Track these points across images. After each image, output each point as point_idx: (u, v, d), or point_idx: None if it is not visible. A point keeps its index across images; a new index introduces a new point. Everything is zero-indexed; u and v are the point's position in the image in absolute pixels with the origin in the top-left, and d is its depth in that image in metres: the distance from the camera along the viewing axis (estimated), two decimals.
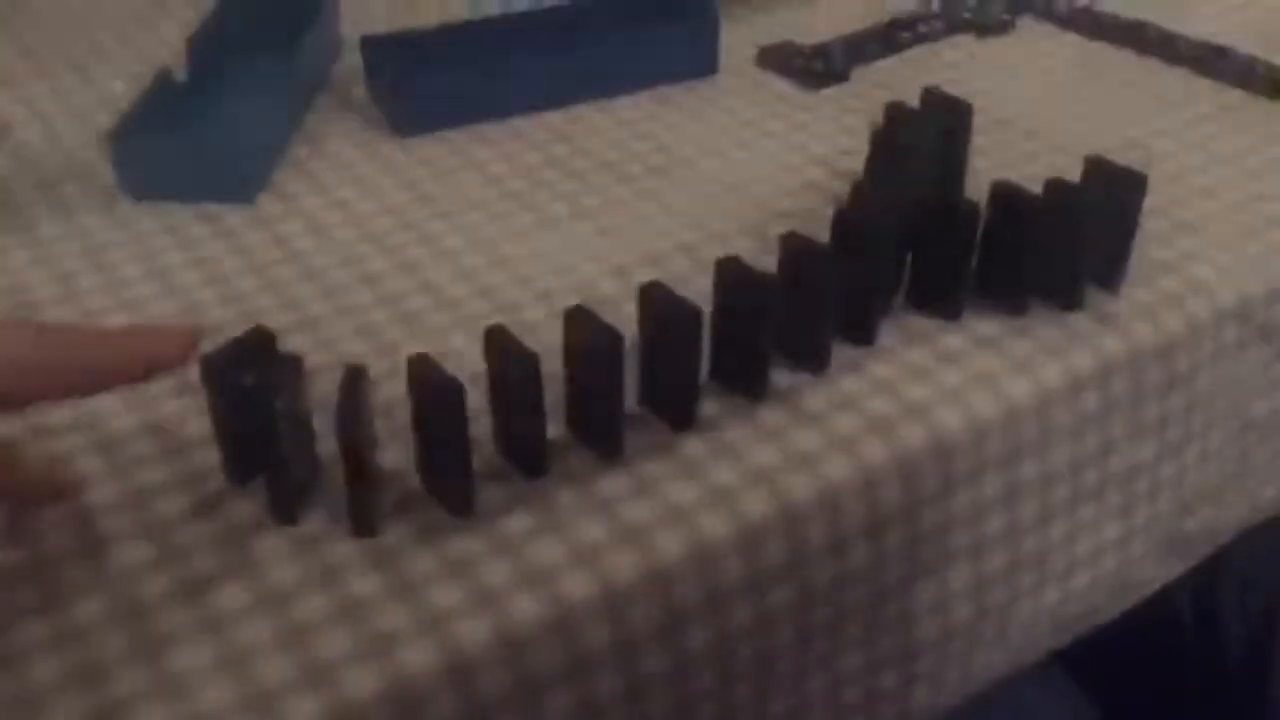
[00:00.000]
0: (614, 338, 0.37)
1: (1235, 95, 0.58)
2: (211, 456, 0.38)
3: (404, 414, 0.40)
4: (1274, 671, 0.61)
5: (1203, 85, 0.59)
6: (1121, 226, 0.45)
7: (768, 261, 0.47)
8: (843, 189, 0.51)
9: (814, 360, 0.42)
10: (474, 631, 0.33)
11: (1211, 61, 0.60)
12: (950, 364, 0.42)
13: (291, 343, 0.43)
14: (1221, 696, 0.62)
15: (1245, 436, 0.49)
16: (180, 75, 0.56)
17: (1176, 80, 0.60)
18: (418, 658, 0.32)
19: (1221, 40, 0.62)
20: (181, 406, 0.40)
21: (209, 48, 0.57)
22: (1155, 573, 0.50)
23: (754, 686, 0.39)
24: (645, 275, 0.46)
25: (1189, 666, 0.63)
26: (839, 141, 0.55)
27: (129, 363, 0.37)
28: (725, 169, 0.53)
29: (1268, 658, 0.61)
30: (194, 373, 0.41)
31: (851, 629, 0.40)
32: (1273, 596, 0.62)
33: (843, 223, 0.42)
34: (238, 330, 0.43)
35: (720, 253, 0.47)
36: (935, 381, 0.41)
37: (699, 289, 0.46)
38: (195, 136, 0.51)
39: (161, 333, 0.41)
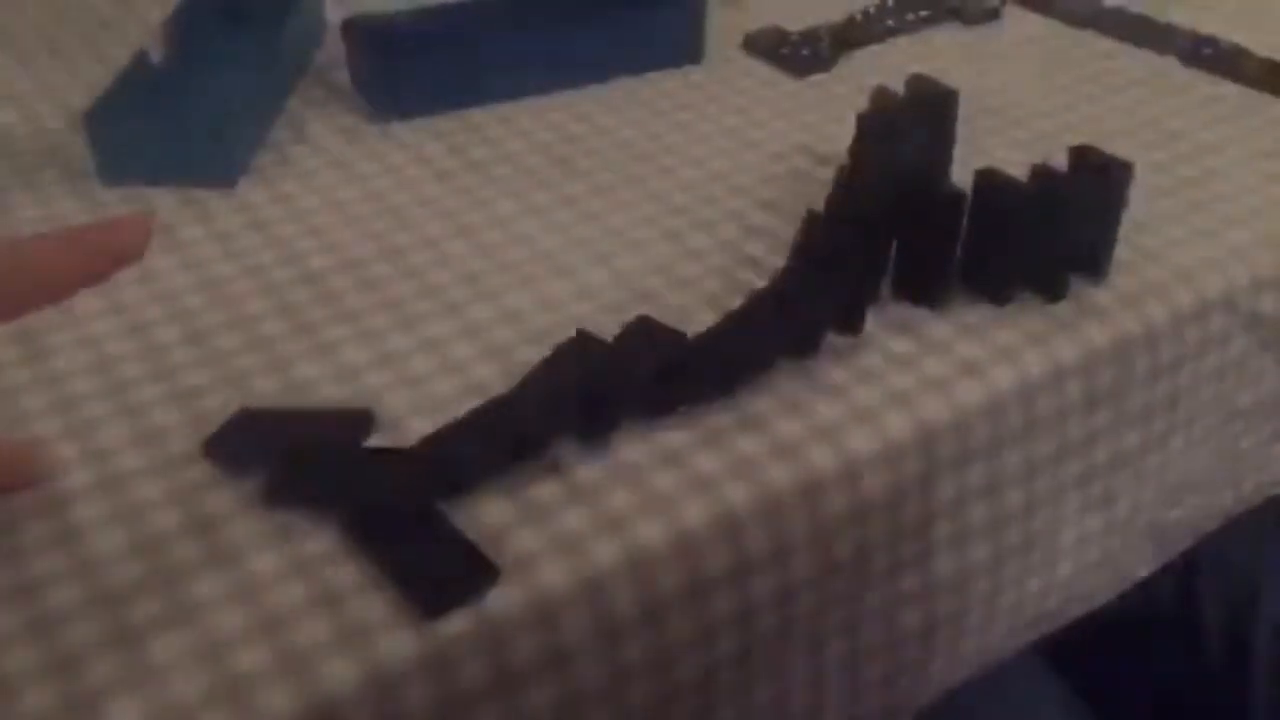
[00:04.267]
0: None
1: (1222, 85, 0.58)
2: (188, 442, 0.38)
3: (395, 403, 0.39)
4: (1254, 658, 0.61)
5: (1190, 75, 0.59)
6: (1106, 215, 0.45)
7: (752, 247, 0.47)
8: (828, 176, 0.51)
9: (804, 347, 0.41)
10: (452, 621, 0.33)
11: (1199, 51, 0.60)
12: (934, 353, 0.42)
13: (270, 329, 0.43)
14: (1202, 682, 0.62)
15: (1230, 427, 0.49)
16: (158, 57, 0.55)
17: (1164, 69, 0.60)
18: (395, 647, 0.32)
19: (1209, 30, 0.61)
20: (160, 393, 0.40)
21: (187, 29, 0.56)
22: (1138, 562, 0.50)
23: (736, 677, 0.39)
24: (629, 262, 0.46)
25: (1168, 652, 0.63)
26: (825, 128, 0.55)
27: (80, 265, 0.33)
28: (711, 156, 0.53)
29: (1247, 644, 0.61)
30: (173, 357, 0.41)
31: (834, 619, 0.40)
32: (1253, 583, 0.62)
33: (832, 212, 0.42)
34: (214, 315, 0.43)
35: (706, 240, 0.47)
36: (919, 370, 0.41)
37: (684, 275, 0.45)
38: (173, 119, 0.50)
39: (112, 225, 0.35)
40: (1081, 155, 0.45)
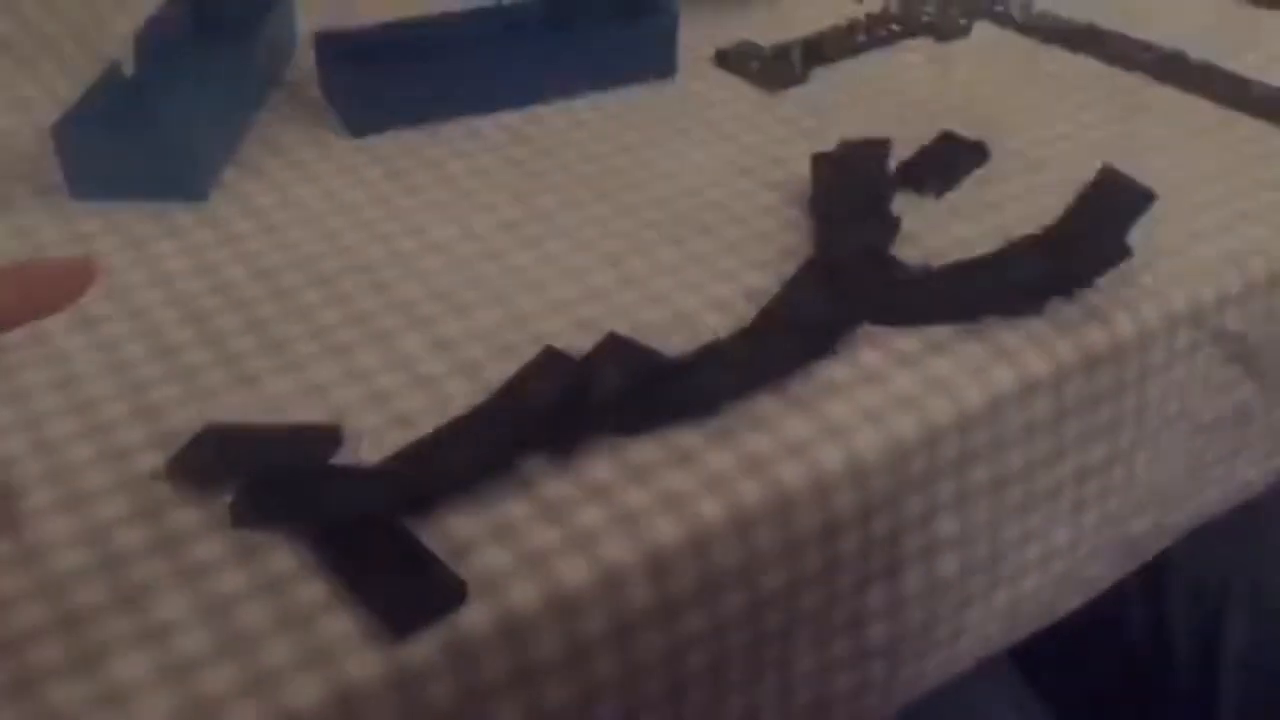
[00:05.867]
0: None
1: (1190, 100, 0.59)
2: (154, 460, 0.38)
3: (364, 419, 0.39)
4: (1222, 668, 0.61)
5: (1158, 91, 0.60)
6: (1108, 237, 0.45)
7: (724, 262, 0.47)
8: (801, 191, 0.51)
9: (783, 376, 0.41)
10: (420, 640, 0.33)
11: (1167, 67, 0.61)
12: (904, 367, 0.42)
13: (240, 345, 0.43)
14: (1170, 692, 0.63)
15: (1195, 439, 0.49)
16: (129, 70, 0.55)
17: (1133, 85, 0.60)
18: (362, 667, 0.32)
19: (1177, 45, 0.62)
20: (126, 410, 0.40)
21: (159, 42, 0.56)
22: (1105, 573, 0.50)
23: (706, 693, 0.39)
24: (601, 278, 0.46)
25: (1137, 661, 0.63)
26: (797, 144, 0.55)
27: (19, 302, 0.33)
28: (683, 170, 0.53)
29: (1216, 654, 0.62)
30: (140, 374, 0.41)
31: (804, 634, 0.40)
32: (1221, 590, 0.63)
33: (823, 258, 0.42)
34: (182, 331, 0.43)
35: (677, 256, 0.48)
36: (888, 385, 0.41)
37: (656, 291, 0.46)
38: (143, 133, 0.50)
39: (54, 266, 0.35)
40: (1108, 177, 0.45)
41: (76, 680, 0.31)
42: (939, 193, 0.51)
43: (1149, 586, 0.56)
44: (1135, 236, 0.49)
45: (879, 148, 0.51)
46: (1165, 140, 0.56)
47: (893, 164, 0.52)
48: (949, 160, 0.53)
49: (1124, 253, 0.44)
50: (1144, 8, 0.67)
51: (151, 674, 0.31)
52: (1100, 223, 0.45)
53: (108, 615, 0.33)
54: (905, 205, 0.50)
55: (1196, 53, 0.61)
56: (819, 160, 0.50)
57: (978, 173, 0.52)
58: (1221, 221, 0.50)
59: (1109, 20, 0.65)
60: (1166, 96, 0.59)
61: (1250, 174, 0.53)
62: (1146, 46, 0.62)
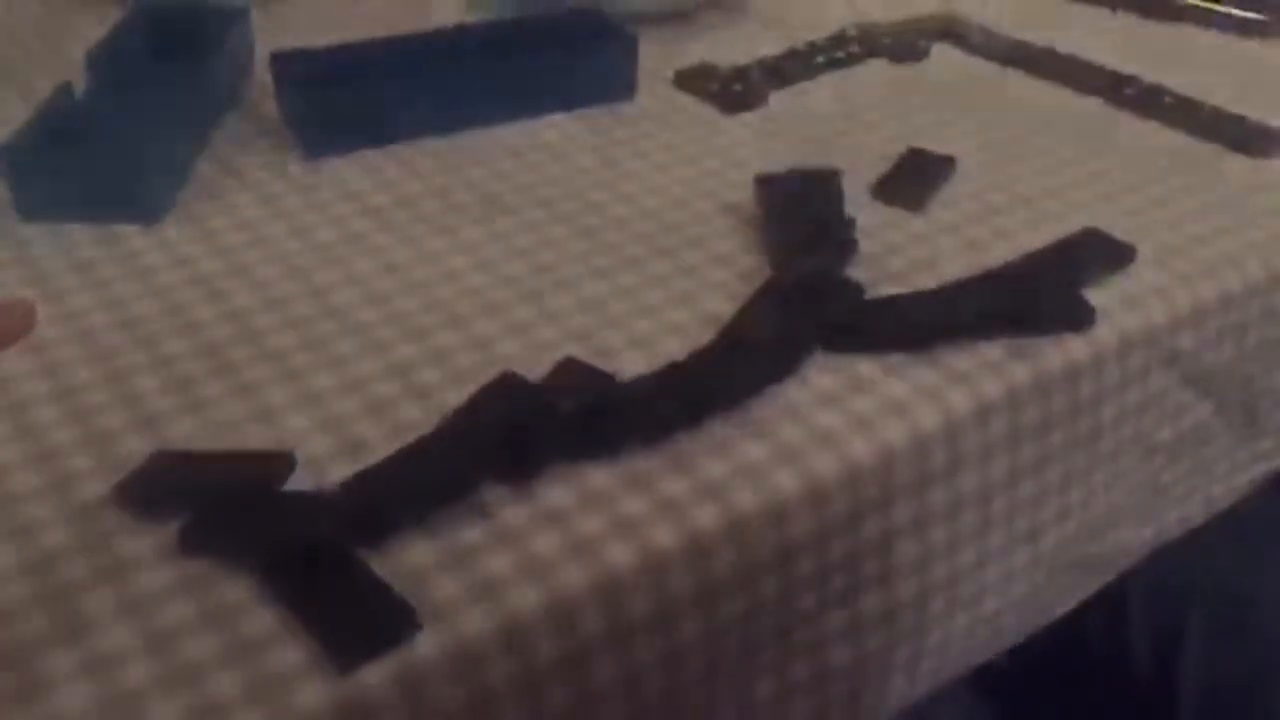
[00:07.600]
0: None
1: (1144, 125, 0.59)
2: (101, 487, 0.37)
3: (317, 445, 0.39)
4: (1181, 688, 0.62)
5: (1113, 114, 0.60)
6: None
7: (683, 284, 0.47)
8: (759, 213, 0.51)
9: (739, 399, 0.41)
10: (370, 670, 0.32)
11: (1121, 91, 0.62)
12: (860, 391, 0.42)
13: (189, 369, 0.42)
14: (1129, 705, 0.63)
15: (1151, 461, 0.50)
16: (80, 91, 0.54)
17: (1088, 109, 0.61)
18: (311, 699, 0.31)
19: (1131, 70, 0.63)
20: (74, 436, 0.39)
21: (112, 63, 0.55)
22: (1064, 596, 0.50)
23: (664, 719, 0.38)
24: (560, 300, 0.46)
25: (1097, 682, 0.64)
26: (756, 165, 0.55)
27: None
28: (642, 192, 0.53)
29: (1175, 674, 0.62)
30: (88, 399, 0.40)
31: (762, 658, 0.40)
32: (1180, 612, 0.63)
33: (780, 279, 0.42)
34: (133, 355, 0.42)
35: (635, 277, 0.47)
36: (845, 409, 0.41)
37: (614, 314, 0.45)
38: (94, 154, 0.50)
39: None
40: (1091, 236, 0.46)
41: (17, 713, 0.31)
42: (914, 207, 0.51)
43: (1108, 598, 0.56)
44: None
45: (830, 172, 0.51)
46: (1119, 163, 0.56)
47: (858, 184, 0.52)
48: (921, 174, 0.53)
49: (1088, 318, 0.44)
50: (1101, 30, 0.68)
51: (95, 706, 0.31)
52: (1069, 275, 0.46)
53: (51, 647, 0.32)
54: (880, 222, 0.50)
55: (1150, 77, 0.62)
56: (763, 182, 0.51)
57: (939, 194, 0.53)
58: (1173, 245, 0.50)
59: (1066, 44, 0.65)
60: (1120, 120, 0.60)
61: (1201, 197, 0.54)
62: (1101, 70, 0.63)
